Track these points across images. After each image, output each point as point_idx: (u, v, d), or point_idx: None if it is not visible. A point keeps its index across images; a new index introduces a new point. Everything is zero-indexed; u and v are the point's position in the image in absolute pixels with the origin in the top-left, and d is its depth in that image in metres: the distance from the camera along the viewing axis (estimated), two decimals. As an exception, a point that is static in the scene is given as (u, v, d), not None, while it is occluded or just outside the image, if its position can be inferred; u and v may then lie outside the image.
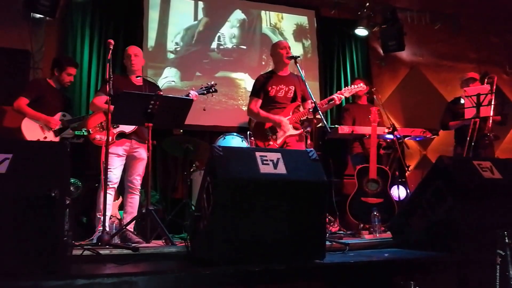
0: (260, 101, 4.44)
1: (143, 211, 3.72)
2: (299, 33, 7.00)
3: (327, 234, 3.76)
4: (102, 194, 3.76)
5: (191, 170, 5.34)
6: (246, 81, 6.43)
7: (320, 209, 2.75)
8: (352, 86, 4.65)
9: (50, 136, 4.46)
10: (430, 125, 5.63)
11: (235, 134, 5.18)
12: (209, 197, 2.60)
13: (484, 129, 4.96)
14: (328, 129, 4.30)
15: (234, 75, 6.49)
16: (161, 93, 3.91)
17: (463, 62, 7.68)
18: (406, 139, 5.41)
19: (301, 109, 4.42)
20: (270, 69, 4.80)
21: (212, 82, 4.60)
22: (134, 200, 4.24)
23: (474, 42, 7.76)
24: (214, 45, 6.48)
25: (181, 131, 5.30)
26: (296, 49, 6.77)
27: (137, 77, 4.38)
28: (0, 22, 5.42)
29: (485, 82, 5.10)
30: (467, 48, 7.75)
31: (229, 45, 6.57)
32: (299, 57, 4.24)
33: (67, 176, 2.61)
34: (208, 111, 5.59)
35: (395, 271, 2.72)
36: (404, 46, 6.94)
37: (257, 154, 2.68)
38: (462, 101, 5.13)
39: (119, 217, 4.35)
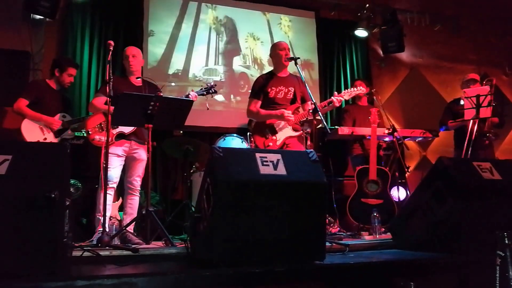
0: (259, 102, 4.44)
1: (143, 212, 3.72)
2: (299, 34, 7.00)
3: (327, 235, 3.76)
4: (102, 195, 3.76)
5: (191, 171, 5.35)
6: (247, 82, 6.44)
7: (320, 210, 2.75)
8: (352, 88, 4.64)
9: (50, 137, 4.46)
10: (430, 126, 5.63)
11: (235, 135, 5.18)
12: (209, 198, 2.60)
13: (483, 129, 4.96)
14: (328, 130, 4.31)
15: (235, 76, 6.50)
16: (161, 94, 3.90)
17: (463, 63, 7.69)
18: (406, 140, 5.41)
19: (300, 110, 4.42)
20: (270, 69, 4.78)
21: (212, 83, 4.59)
22: (134, 201, 4.24)
23: (473, 43, 7.77)
24: (214, 45, 6.49)
25: (181, 132, 5.30)
26: (296, 50, 6.78)
27: (137, 78, 4.38)
28: (0, 23, 5.42)
29: (484, 84, 5.11)
30: (466, 50, 7.76)
31: (228, 46, 6.58)
32: (299, 58, 4.23)
33: (67, 177, 2.61)
34: (208, 112, 5.61)
35: (395, 272, 2.71)
36: (404, 47, 6.95)
37: (257, 155, 2.68)
38: (462, 102, 5.13)
39: (119, 218, 4.35)
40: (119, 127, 4.12)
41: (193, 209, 4.64)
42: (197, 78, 6.29)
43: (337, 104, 4.32)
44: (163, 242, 3.65)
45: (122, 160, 4.19)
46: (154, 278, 2.28)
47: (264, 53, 6.63)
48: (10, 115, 5.03)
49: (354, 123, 5.52)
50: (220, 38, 6.57)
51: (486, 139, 5.09)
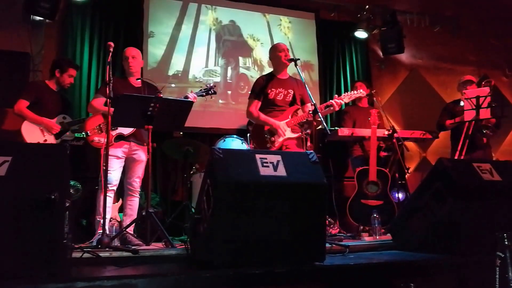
0: (259, 103, 4.44)
1: (143, 213, 3.72)
2: (298, 35, 7.00)
3: (327, 236, 3.76)
4: (101, 196, 3.76)
5: (191, 172, 5.35)
6: (247, 83, 6.44)
7: (320, 211, 2.75)
8: (352, 91, 4.63)
9: (50, 139, 4.46)
10: (429, 127, 5.63)
11: (235, 136, 5.19)
12: (209, 199, 2.60)
13: (480, 124, 4.96)
14: (328, 131, 4.31)
15: (235, 77, 6.50)
16: (161, 95, 3.90)
17: (463, 64, 7.69)
18: (405, 141, 5.41)
19: (300, 112, 4.42)
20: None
21: (212, 84, 4.58)
22: (134, 203, 4.24)
23: (473, 44, 7.78)
24: (214, 47, 6.50)
25: (181, 133, 5.30)
26: (296, 51, 6.79)
27: (137, 79, 4.38)
28: (0, 24, 5.43)
29: (482, 85, 5.12)
30: (466, 51, 7.77)
31: (228, 47, 6.58)
32: (298, 59, 4.23)
33: (67, 178, 2.60)
34: (208, 113, 5.62)
35: (395, 273, 2.71)
36: (404, 49, 6.96)
37: (257, 156, 2.68)
38: (462, 103, 5.13)
39: (119, 220, 4.34)
40: (118, 128, 4.12)
41: (193, 210, 4.64)
42: (197, 79, 6.29)
43: (337, 108, 4.30)
44: (163, 243, 3.65)
45: (122, 162, 4.19)
46: (154, 280, 2.28)
47: (264, 54, 6.63)
48: (10, 116, 5.03)
49: (354, 125, 5.52)
50: (220, 40, 6.57)
51: (482, 135, 5.10)
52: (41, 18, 5.52)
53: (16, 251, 2.21)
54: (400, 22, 6.95)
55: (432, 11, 7.38)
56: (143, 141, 4.22)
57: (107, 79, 3.71)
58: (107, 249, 3.19)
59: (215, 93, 4.56)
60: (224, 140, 5.11)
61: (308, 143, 4.16)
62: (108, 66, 3.77)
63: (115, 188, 4.14)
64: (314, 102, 3.97)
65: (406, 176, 5.85)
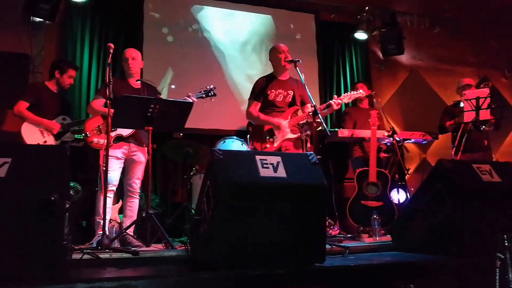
0: (259, 105, 4.44)
1: (143, 214, 3.72)
2: (298, 36, 7.01)
3: (327, 238, 3.76)
4: (101, 198, 3.76)
5: (191, 173, 5.34)
6: (247, 85, 6.44)
7: (320, 213, 2.75)
8: (352, 92, 4.64)
9: (50, 140, 4.46)
10: (429, 128, 5.64)
11: (235, 137, 5.18)
12: (209, 200, 2.60)
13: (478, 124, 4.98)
14: (328, 132, 4.31)
15: (234, 78, 6.51)
16: (161, 96, 3.90)
17: (462, 66, 7.71)
18: (405, 142, 5.41)
19: (299, 113, 4.42)
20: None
21: (211, 86, 4.56)
22: (134, 204, 4.24)
23: (473, 46, 7.79)
24: (214, 48, 6.50)
25: (181, 134, 5.29)
26: (296, 53, 6.77)
27: (137, 80, 4.38)
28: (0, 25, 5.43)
29: (481, 87, 5.13)
30: (466, 52, 7.77)
31: (228, 49, 6.59)
32: (298, 60, 4.23)
33: (66, 180, 2.60)
34: (208, 114, 5.61)
35: (395, 274, 2.71)
36: (404, 50, 6.96)
37: (257, 157, 2.68)
38: (462, 104, 5.14)
39: (119, 221, 4.34)
40: (118, 129, 4.11)
41: (193, 211, 4.64)
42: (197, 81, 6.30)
43: (336, 107, 4.31)
44: (163, 244, 3.64)
45: (122, 162, 4.19)
46: (154, 281, 2.28)
47: (264, 55, 6.64)
48: (10, 117, 5.03)
49: (355, 126, 5.52)
50: (219, 41, 6.57)
51: (480, 132, 5.12)
52: (41, 20, 5.52)
53: (16, 252, 2.21)
54: (400, 23, 6.96)
55: (432, 12, 7.39)
56: (142, 142, 4.22)
57: (107, 80, 3.71)
58: (107, 250, 3.18)
59: (214, 95, 4.54)
60: (224, 142, 5.11)
61: (308, 144, 4.16)
62: (108, 68, 3.77)
63: (114, 188, 4.14)
64: (314, 103, 3.97)
65: (406, 177, 5.85)
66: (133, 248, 3.37)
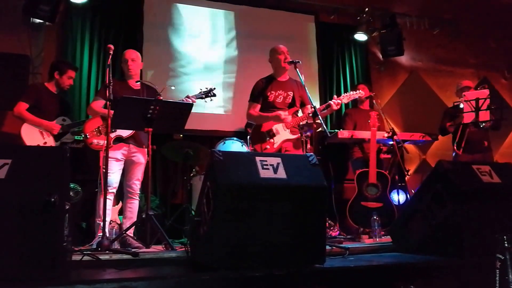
0: (258, 106, 4.44)
1: (143, 216, 3.72)
2: (298, 38, 7.01)
3: (327, 239, 3.76)
4: (101, 199, 3.76)
5: (191, 175, 5.34)
6: (247, 85, 6.43)
7: (320, 214, 2.75)
8: (351, 92, 4.64)
9: (50, 141, 4.46)
10: (429, 129, 5.63)
11: (235, 139, 5.18)
12: (209, 202, 2.60)
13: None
14: (328, 133, 4.31)
15: (235, 79, 6.51)
16: (161, 97, 3.90)
17: (462, 67, 7.71)
18: (405, 143, 5.41)
19: (299, 114, 4.42)
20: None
21: (211, 87, 4.57)
22: (134, 205, 4.24)
23: (473, 47, 7.80)
24: (214, 49, 6.50)
25: (181, 135, 5.29)
26: (295, 54, 6.78)
27: (136, 82, 4.37)
28: (-1, 27, 5.45)
29: (479, 89, 5.13)
30: (466, 53, 7.78)
31: (228, 50, 6.59)
32: (298, 62, 4.23)
33: (66, 181, 2.60)
34: (208, 116, 5.61)
35: (395, 276, 2.71)
36: (403, 51, 6.97)
37: (257, 158, 2.68)
38: (461, 105, 5.15)
39: (118, 222, 4.34)
40: (117, 130, 4.11)
41: (193, 212, 4.63)
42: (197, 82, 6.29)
43: (335, 108, 4.31)
44: (163, 246, 3.64)
45: (121, 164, 4.19)
46: (154, 282, 2.28)
47: (264, 57, 6.63)
48: (9, 118, 5.03)
49: (355, 127, 5.53)
50: (220, 41, 6.57)
51: (479, 129, 5.13)
52: (41, 21, 5.53)
53: (16, 254, 2.21)
54: (399, 24, 6.97)
55: (432, 13, 7.39)
56: (142, 143, 4.22)
57: (107, 82, 3.71)
58: (107, 252, 3.18)
59: (214, 95, 4.54)
60: (224, 143, 5.11)
61: (308, 146, 4.16)
62: (108, 69, 3.77)
63: (114, 190, 4.14)
64: (314, 104, 3.97)
65: (406, 178, 5.86)
66: (133, 250, 3.36)
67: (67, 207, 2.41)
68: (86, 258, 2.88)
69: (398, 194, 5.17)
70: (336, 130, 5.36)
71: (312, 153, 2.91)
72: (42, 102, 4.51)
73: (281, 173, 2.65)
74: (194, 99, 4.31)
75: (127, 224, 4.11)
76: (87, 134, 4.15)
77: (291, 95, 4.43)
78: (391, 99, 7.35)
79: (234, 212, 2.53)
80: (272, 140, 4.30)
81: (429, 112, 6.89)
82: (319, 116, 3.90)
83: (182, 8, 6.47)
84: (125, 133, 4.15)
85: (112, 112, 3.65)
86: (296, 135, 4.33)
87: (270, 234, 2.61)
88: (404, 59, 7.42)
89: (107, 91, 3.68)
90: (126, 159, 4.21)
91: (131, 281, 2.24)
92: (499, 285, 2.41)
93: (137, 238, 4.00)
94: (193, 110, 3.93)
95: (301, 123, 4.30)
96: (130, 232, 3.93)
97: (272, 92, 4.41)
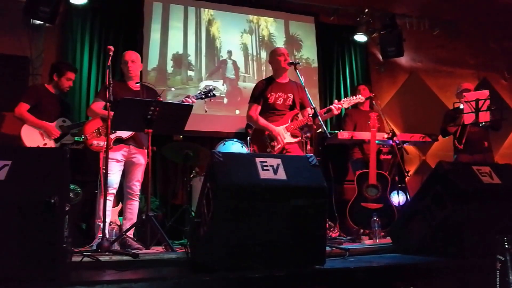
0: (259, 107, 4.44)
1: (143, 217, 3.72)
2: (298, 39, 7.02)
3: (327, 240, 3.76)
4: (101, 200, 3.76)
5: (191, 176, 5.34)
6: (247, 87, 6.45)
7: (320, 215, 2.75)
8: (352, 97, 4.62)
9: (50, 143, 4.46)
10: (429, 130, 5.63)
11: (235, 140, 5.18)
12: (209, 203, 2.60)
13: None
14: (328, 134, 4.31)
15: (235, 80, 6.51)
16: (161, 99, 3.90)
17: (462, 67, 7.71)
18: (405, 144, 5.41)
19: (299, 116, 4.41)
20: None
21: (211, 87, 4.56)
22: (134, 206, 4.23)
23: (473, 48, 7.80)
24: (214, 50, 6.51)
25: (181, 137, 5.29)
26: (295, 55, 6.80)
27: (136, 83, 4.37)
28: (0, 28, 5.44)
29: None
30: (466, 54, 7.78)
31: (229, 51, 6.59)
32: (298, 63, 4.23)
33: (66, 182, 2.61)
34: (208, 117, 5.61)
35: (395, 276, 2.71)
36: (403, 52, 6.97)
37: (257, 159, 2.68)
38: (461, 106, 5.15)
39: (118, 223, 4.34)
40: (117, 131, 4.11)
41: (193, 214, 4.63)
42: (197, 83, 6.30)
43: (336, 112, 4.30)
44: (163, 247, 3.64)
45: (122, 165, 4.18)
46: (154, 283, 2.28)
47: (264, 59, 6.65)
48: (9, 120, 5.03)
49: (355, 128, 5.53)
50: (219, 43, 6.58)
51: (479, 127, 5.14)
52: (41, 22, 5.52)
53: (15, 255, 2.21)
54: (399, 25, 6.97)
55: (431, 14, 7.39)
56: (142, 144, 4.22)
57: (107, 83, 3.71)
58: (107, 253, 3.18)
59: (214, 95, 4.52)
60: (224, 144, 5.11)
61: (308, 147, 4.16)
62: (108, 70, 3.78)
63: (114, 191, 4.14)
64: (314, 106, 3.97)
65: (406, 179, 5.86)
66: (133, 251, 3.36)
67: (67, 208, 2.41)
68: (86, 259, 2.88)
69: (398, 195, 5.18)
70: (336, 131, 5.36)
71: (312, 154, 2.91)
72: (42, 103, 4.51)
73: (281, 174, 2.65)
74: (193, 100, 4.31)
75: (127, 225, 4.11)
76: (87, 136, 4.14)
77: (291, 97, 4.43)
78: (391, 100, 7.35)
79: (234, 213, 2.53)
80: (273, 144, 4.29)
81: (429, 113, 6.89)
82: (319, 117, 3.89)
83: (182, 9, 6.47)
84: (125, 134, 4.15)
85: (112, 113, 3.65)
86: (298, 139, 4.32)
87: (270, 235, 2.60)
88: (404, 60, 7.42)
89: (107, 92, 3.68)
90: (126, 160, 4.21)
91: (131, 282, 2.24)
92: (500, 286, 2.41)
93: (137, 239, 3.99)
94: (193, 111, 3.92)
95: (301, 125, 4.29)
96: (130, 233, 3.92)
97: (272, 94, 4.40)
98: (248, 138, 4.98)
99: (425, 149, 7.11)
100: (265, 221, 2.58)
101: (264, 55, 6.69)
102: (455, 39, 7.56)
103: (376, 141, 5.09)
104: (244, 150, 5.01)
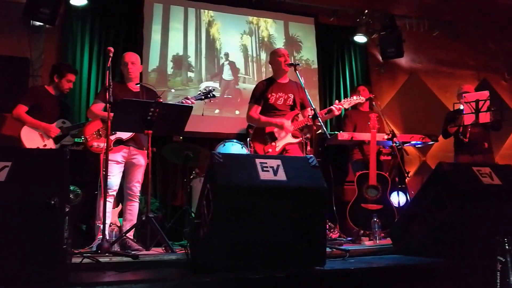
0: (259, 108, 4.44)
1: (143, 218, 3.71)
2: (298, 40, 7.02)
3: (327, 241, 3.75)
4: (101, 202, 3.76)
5: (191, 177, 5.34)
6: (247, 88, 6.44)
7: (320, 216, 2.75)
8: (352, 97, 4.63)
9: (50, 144, 4.46)
10: (429, 131, 5.63)
11: (235, 141, 5.18)
12: (209, 204, 2.60)
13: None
14: (328, 135, 4.31)
15: (235, 81, 6.51)
16: (161, 100, 3.90)
17: (462, 68, 7.71)
18: (405, 145, 5.41)
19: (300, 117, 4.42)
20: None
21: (210, 88, 4.56)
22: (134, 207, 4.23)
23: (472, 48, 7.80)
24: (214, 51, 6.51)
25: (181, 138, 5.29)
26: (295, 56, 6.80)
27: (136, 84, 4.37)
28: (-1, 29, 5.45)
29: None
30: (465, 55, 7.78)
31: (229, 52, 6.59)
32: (298, 64, 4.24)
33: (66, 183, 2.60)
34: (208, 117, 5.61)
35: (395, 278, 2.71)
36: (403, 53, 6.97)
37: (257, 161, 2.68)
38: (462, 107, 5.15)
39: (118, 225, 4.34)
40: (117, 133, 4.11)
41: (193, 215, 4.63)
42: (197, 84, 6.30)
43: (337, 113, 4.31)
44: (163, 248, 3.64)
45: (122, 166, 4.18)
46: (154, 284, 2.28)
47: (264, 59, 6.65)
48: (9, 121, 5.03)
49: (355, 128, 5.52)
50: (219, 44, 6.58)
51: (479, 127, 5.14)
52: (41, 23, 5.52)
53: (15, 256, 2.21)
54: (399, 26, 6.96)
55: (431, 15, 7.40)
56: (142, 145, 4.22)
57: (107, 84, 3.71)
58: (106, 254, 3.18)
59: (213, 96, 4.53)
60: (224, 145, 5.11)
61: (308, 148, 4.16)
62: (108, 71, 3.78)
63: (115, 193, 4.14)
64: (314, 106, 3.97)
65: (406, 180, 5.85)
66: (133, 252, 3.36)
67: (67, 210, 2.41)
68: (86, 260, 2.88)
69: (398, 196, 5.17)
70: (336, 132, 5.36)
71: (312, 155, 2.91)
72: (42, 105, 4.51)
73: (281, 175, 2.65)
74: (193, 101, 4.31)
75: (127, 226, 4.11)
76: (87, 137, 4.14)
77: (292, 97, 4.43)
78: (391, 101, 7.35)
79: (234, 214, 2.53)
80: (274, 144, 4.30)
81: (429, 114, 6.89)
82: (319, 118, 3.89)
83: (182, 10, 6.47)
84: (125, 135, 4.15)
85: (112, 114, 3.65)
86: (298, 139, 4.32)
87: (270, 236, 2.60)
88: (403, 61, 7.42)
89: (107, 93, 3.68)
90: (126, 162, 4.21)
91: (131, 284, 2.23)
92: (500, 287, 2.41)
93: (137, 240, 4.00)
94: (193, 112, 3.93)
95: (301, 126, 4.29)
96: (130, 235, 3.92)
97: (272, 94, 4.41)
98: (248, 139, 4.99)
99: (425, 149, 7.10)
100: (265, 222, 2.58)
101: (264, 56, 6.69)
102: (455, 40, 7.56)
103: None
104: (244, 151, 5.01)
